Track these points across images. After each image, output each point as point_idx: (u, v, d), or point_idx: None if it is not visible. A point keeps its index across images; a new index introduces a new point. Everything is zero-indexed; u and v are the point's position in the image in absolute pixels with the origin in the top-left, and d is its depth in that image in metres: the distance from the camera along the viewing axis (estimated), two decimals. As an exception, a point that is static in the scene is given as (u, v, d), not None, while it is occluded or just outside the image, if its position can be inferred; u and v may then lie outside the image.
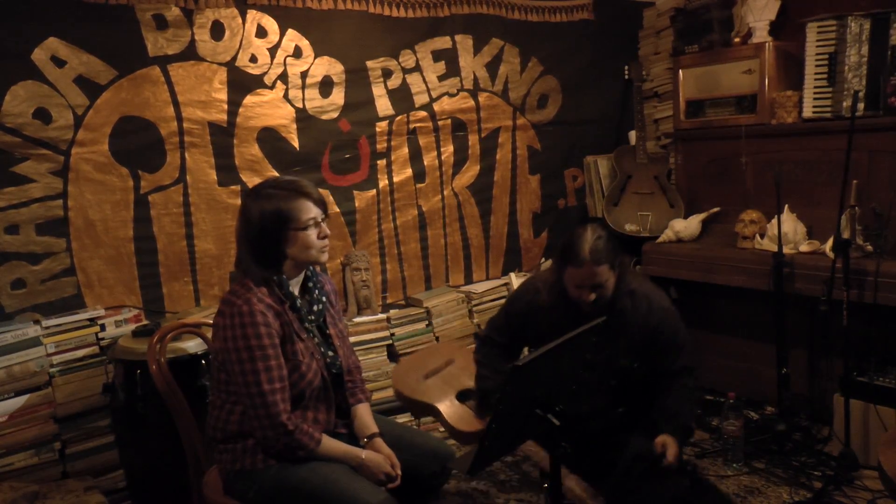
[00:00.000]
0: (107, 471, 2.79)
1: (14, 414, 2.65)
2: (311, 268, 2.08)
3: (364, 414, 2.12)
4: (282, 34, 3.27)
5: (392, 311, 3.56)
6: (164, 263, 3.11)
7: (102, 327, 2.89)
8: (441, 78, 3.73)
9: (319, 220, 1.97)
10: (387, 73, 3.57)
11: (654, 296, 2.45)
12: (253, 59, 3.21)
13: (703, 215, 3.68)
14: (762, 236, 3.34)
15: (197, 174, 3.14)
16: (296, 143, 3.36)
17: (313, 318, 2.05)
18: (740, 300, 3.48)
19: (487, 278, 4.02)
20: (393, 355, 3.46)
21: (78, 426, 2.75)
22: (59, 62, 2.81)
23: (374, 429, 2.08)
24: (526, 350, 2.71)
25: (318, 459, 1.93)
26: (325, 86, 3.41)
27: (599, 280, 2.27)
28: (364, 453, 1.98)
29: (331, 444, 1.97)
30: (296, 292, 2.03)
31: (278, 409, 1.87)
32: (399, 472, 1.99)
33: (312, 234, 1.95)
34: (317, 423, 1.99)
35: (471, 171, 3.90)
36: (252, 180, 3.23)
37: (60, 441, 2.72)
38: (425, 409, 2.60)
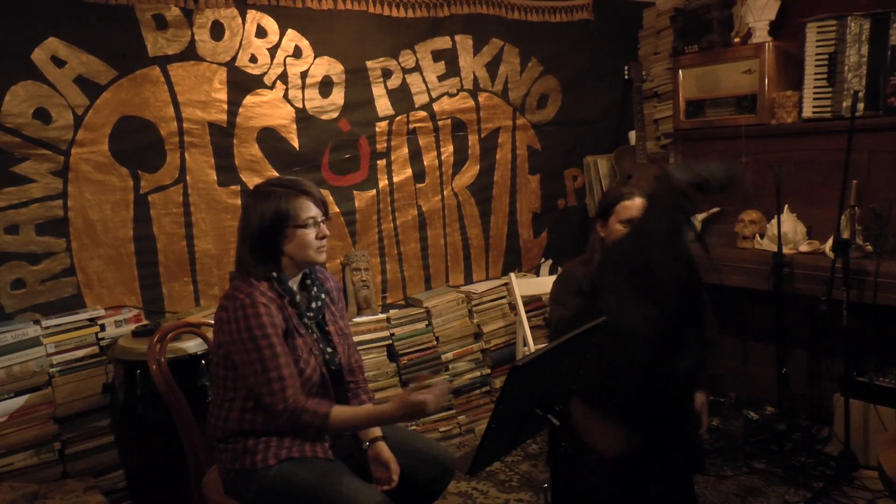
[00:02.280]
0: (107, 471, 2.78)
1: (14, 414, 2.64)
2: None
3: None
4: (282, 34, 3.27)
5: (392, 312, 3.56)
6: (163, 263, 3.11)
7: (102, 327, 2.88)
8: (441, 78, 3.73)
9: (319, 219, 1.99)
10: (387, 74, 3.57)
11: None
12: (253, 59, 3.21)
13: (702, 215, 3.68)
14: (762, 236, 3.34)
15: (197, 174, 3.14)
16: (296, 143, 3.36)
17: (312, 314, 2.05)
18: (740, 300, 3.48)
19: (487, 278, 4.01)
20: (393, 355, 3.46)
21: (78, 426, 2.75)
22: (59, 62, 2.81)
23: (378, 432, 2.08)
24: None
25: (332, 433, 1.98)
26: (325, 86, 3.41)
27: None
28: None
29: (343, 415, 1.93)
30: (295, 289, 2.04)
31: (284, 385, 1.87)
32: (396, 478, 1.99)
33: (311, 232, 1.97)
34: None
35: (471, 171, 3.90)
36: (252, 180, 3.23)
37: (60, 441, 2.71)
38: None
